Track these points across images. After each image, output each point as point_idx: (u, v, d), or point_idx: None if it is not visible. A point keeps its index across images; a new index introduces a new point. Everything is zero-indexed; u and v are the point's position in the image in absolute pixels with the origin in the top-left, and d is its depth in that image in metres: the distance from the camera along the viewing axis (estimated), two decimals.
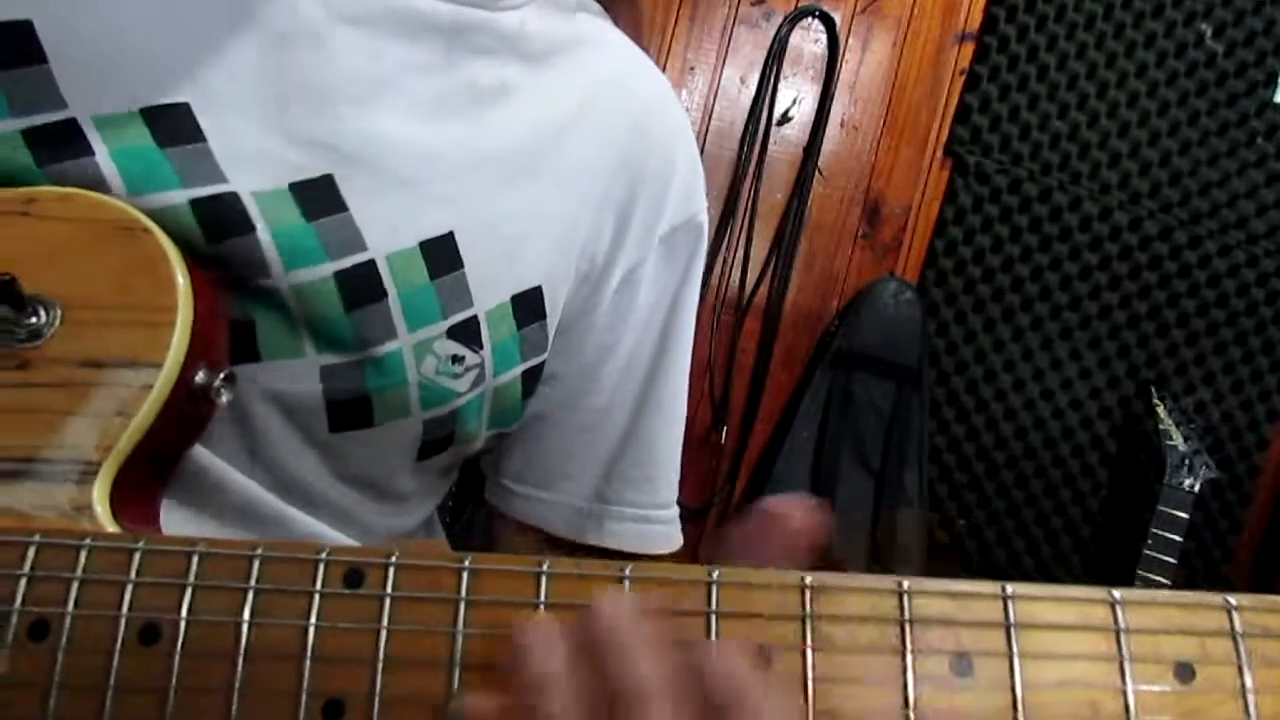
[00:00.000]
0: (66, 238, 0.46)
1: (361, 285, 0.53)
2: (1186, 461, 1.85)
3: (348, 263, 0.53)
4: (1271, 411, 2.10)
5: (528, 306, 0.61)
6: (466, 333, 0.57)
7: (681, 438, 0.75)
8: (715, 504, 2.01)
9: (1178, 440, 1.87)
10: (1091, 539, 2.08)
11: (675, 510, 0.75)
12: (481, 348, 0.58)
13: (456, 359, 0.57)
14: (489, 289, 0.58)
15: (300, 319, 0.53)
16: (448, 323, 0.56)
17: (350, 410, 0.55)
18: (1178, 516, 1.82)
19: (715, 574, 0.36)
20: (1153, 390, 1.97)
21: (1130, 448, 2.06)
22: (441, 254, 0.56)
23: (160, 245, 0.46)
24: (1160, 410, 1.91)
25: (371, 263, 0.54)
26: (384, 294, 0.54)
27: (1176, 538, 1.81)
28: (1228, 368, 2.07)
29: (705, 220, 0.71)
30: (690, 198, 0.70)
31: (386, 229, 0.54)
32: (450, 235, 0.56)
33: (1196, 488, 1.84)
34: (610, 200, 0.64)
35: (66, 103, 0.49)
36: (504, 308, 0.59)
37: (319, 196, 0.53)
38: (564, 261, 0.62)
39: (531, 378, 0.63)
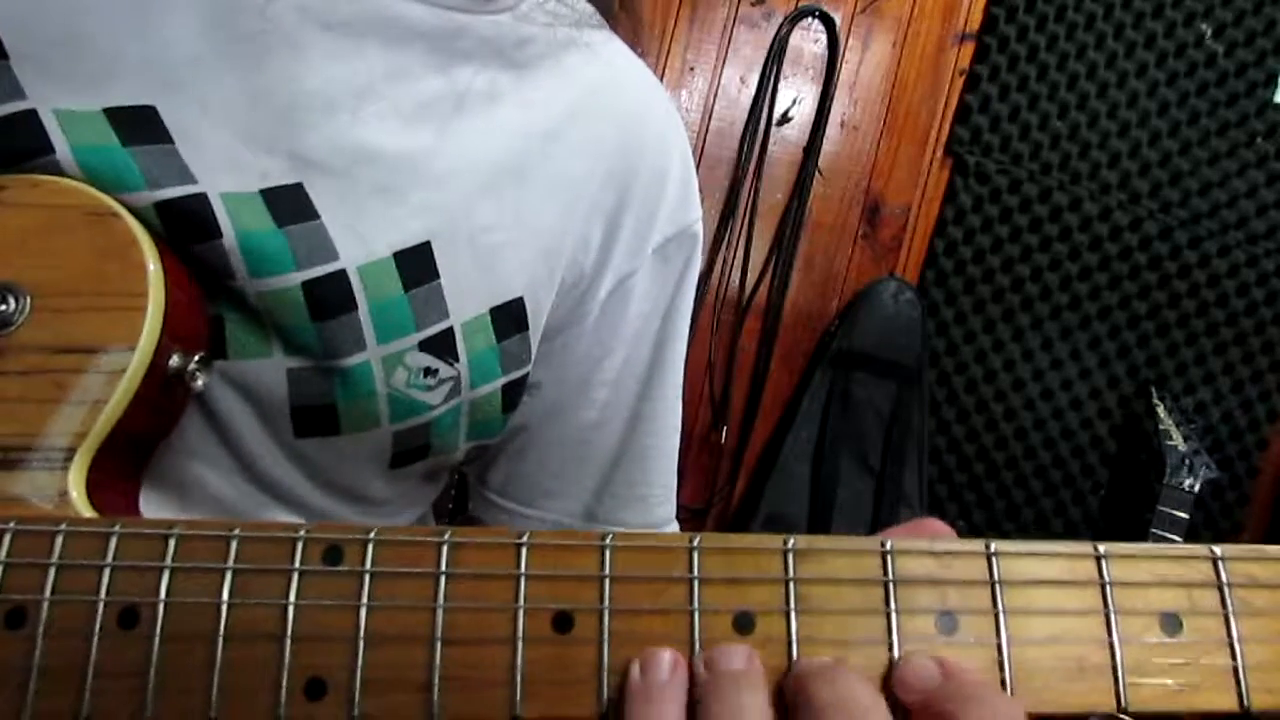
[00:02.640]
0: (36, 224, 0.45)
1: (330, 296, 0.52)
2: (1186, 461, 1.84)
3: (317, 272, 0.51)
4: (1271, 411, 2.10)
5: (508, 318, 0.59)
6: (440, 345, 0.56)
7: (677, 452, 0.72)
8: (715, 504, 2.01)
9: (1178, 440, 1.86)
10: (1091, 539, 2.07)
11: (673, 527, 0.73)
12: (457, 360, 0.56)
13: (429, 371, 0.55)
14: (466, 300, 0.57)
15: (268, 322, 0.51)
16: (420, 335, 0.55)
17: (315, 417, 0.54)
18: (1178, 516, 1.82)
19: (696, 540, 0.36)
20: (1153, 390, 1.96)
21: (1130, 448, 2.06)
22: (416, 264, 0.54)
23: (130, 230, 0.46)
24: (1160, 410, 1.91)
25: (342, 273, 0.52)
26: (354, 305, 0.52)
27: (1176, 538, 1.81)
28: (1228, 368, 2.07)
29: (700, 229, 0.69)
30: (684, 207, 0.68)
31: (359, 238, 0.53)
32: (427, 245, 0.55)
33: (1196, 488, 1.83)
34: (599, 209, 0.62)
35: (26, 94, 0.47)
36: (481, 319, 0.58)
37: (290, 203, 0.51)
38: (548, 272, 0.61)
39: (513, 390, 0.61)
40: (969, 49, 1.98)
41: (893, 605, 0.35)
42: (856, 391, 1.95)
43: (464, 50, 0.58)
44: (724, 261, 1.95)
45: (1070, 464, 2.05)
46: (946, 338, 2.00)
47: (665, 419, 0.70)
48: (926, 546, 0.36)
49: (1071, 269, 2.00)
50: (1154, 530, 1.82)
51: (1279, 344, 2.07)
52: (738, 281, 1.96)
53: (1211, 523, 2.11)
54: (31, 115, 0.48)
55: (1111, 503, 2.07)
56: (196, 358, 0.48)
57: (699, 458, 1.99)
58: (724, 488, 2.01)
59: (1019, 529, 2.05)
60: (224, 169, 0.50)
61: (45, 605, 0.36)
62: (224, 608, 0.36)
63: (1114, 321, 2.03)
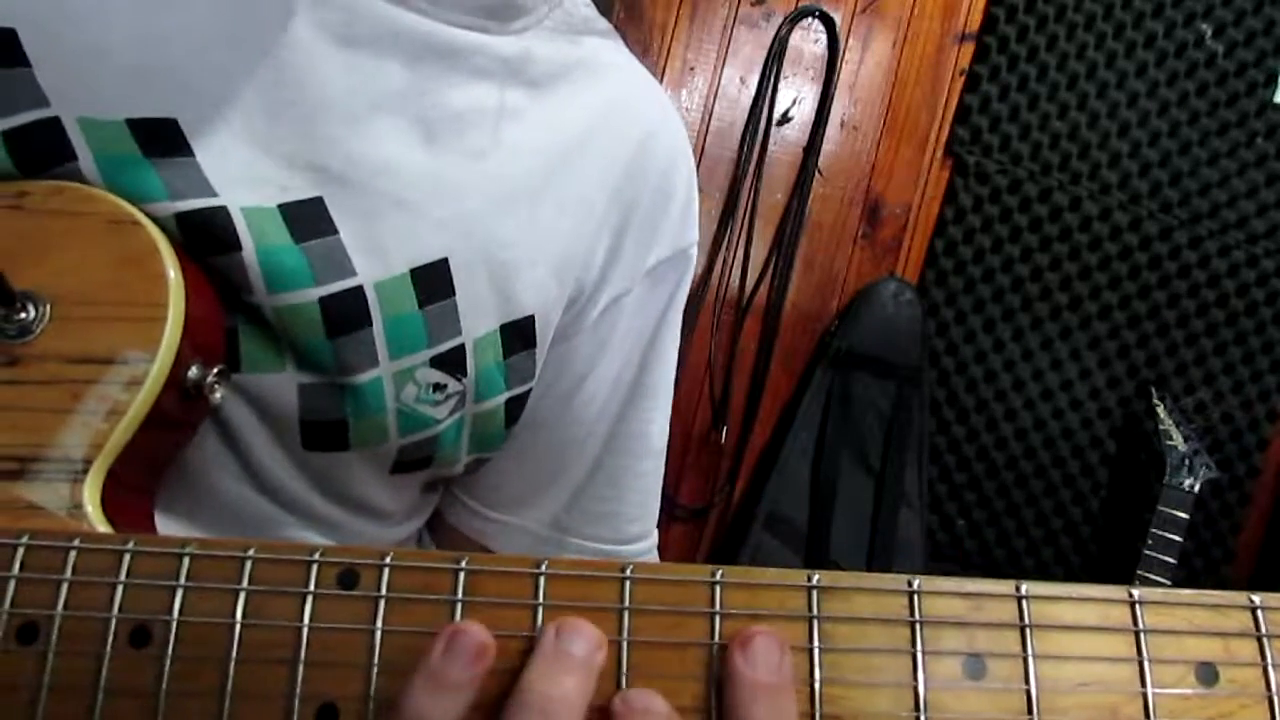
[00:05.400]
0: (57, 231, 0.45)
1: (346, 312, 0.52)
2: (1186, 461, 1.84)
3: (334, 288, 0.51)
4: (1271, 411, 2.10)
5: (517, 335, 0.59)
6: (451, 361, 0.56)
7: (658, 472, 0.72)
8: (715, 504, 2.00)
9: (1178, 440, 1.86)
10: (1091, 539, 2.07)
11: (644, 544, 0.73)
12: (465, 375, 0.56)
13: (438, 387, 0.55)
14: (479, 317, 0.57)
15: (282, 337, 0.51)
16: (432, 351, 0.55)
17: (325, 431, 0.54)
18: (1178, 516, 1.82)
19: (719, 574, 0.35)
20: (1153, 390, 1.96)
21: (1130, 448, 2.06)
22: (433, 281, 0.54)
23: (152, 239, 0.45)
24: (1160, 410, 1.91)
25: (359, 289, 0.52)
26: (368, 322, 0.52)
27: (1176, 538, 1.81)
28: (1228, 368, 2.07)
29: (695, 252, 0.69)
30: (683, 230, 0.68)
31: (377, 254, 0.53)
32: (444, 261, 0.55)
33: (1196, 488, 1.83)
34: (606, 226, 0.62)
35: (49, 101, 0.47)
36: (492, 336, 0.57)
37: (308, 218, 0.51)
38: (559, 289, 0.60)
39: (516, 405, 0.61)
40: (969, 49, 1.97)
41: (919, 646, 0.34)
42: (856, 391, 1.95)
43: (483, 68, 0.58)
44: (724, 261, 1.95)
45: (1070, 464, 2.05)
46: (946, 338, 2.00)
47: (642, 441, 0.70)
48: (955, 587, 0.35)
49: (1071, 269, 1.99)
50: (1154, 530, 1.82)
51: (1279, 344, 2.07)
52: (738, 282, 1.96)
53: (1211, 522, 2.10)
54: (55, 123, 0.47)
55: (1111, 503, 2.07)
56: (215, 369, 0.47)
57: (699, 458, 1.98)
58: (724, 488, 2.00)
59: (1018, 528, 2.06)
60: (244, 182, 0.50)
61: (57, 621, 0.36)
62: (237, 629, 0.35)
63: (1114, 321, 2.02)
